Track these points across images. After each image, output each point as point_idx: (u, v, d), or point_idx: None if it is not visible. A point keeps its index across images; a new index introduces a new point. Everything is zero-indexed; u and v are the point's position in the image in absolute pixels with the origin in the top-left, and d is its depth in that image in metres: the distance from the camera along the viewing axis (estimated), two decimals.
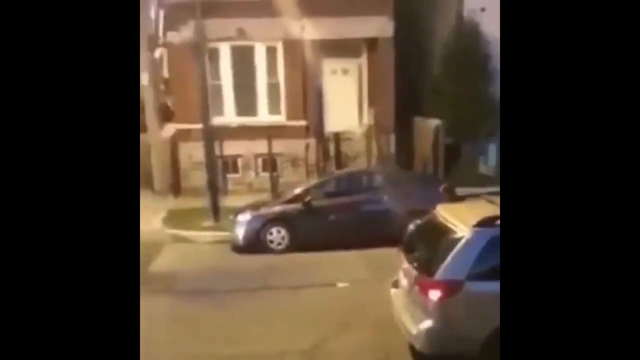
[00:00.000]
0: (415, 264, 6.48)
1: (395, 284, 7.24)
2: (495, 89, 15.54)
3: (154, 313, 7.80)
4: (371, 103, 17.25)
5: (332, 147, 16.79)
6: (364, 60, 17.46)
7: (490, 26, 15.24)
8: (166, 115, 17.99)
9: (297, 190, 12.29)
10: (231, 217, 12.23)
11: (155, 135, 16.90)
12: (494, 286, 5.71)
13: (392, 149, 16.78)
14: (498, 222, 5.94)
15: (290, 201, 12.03)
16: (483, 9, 15.46)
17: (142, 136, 19.23)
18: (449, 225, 6.37)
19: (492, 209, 6.36)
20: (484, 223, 5.94)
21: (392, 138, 16.82)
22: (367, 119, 17.34)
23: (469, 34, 15.64)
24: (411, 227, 8.06)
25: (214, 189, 13.60)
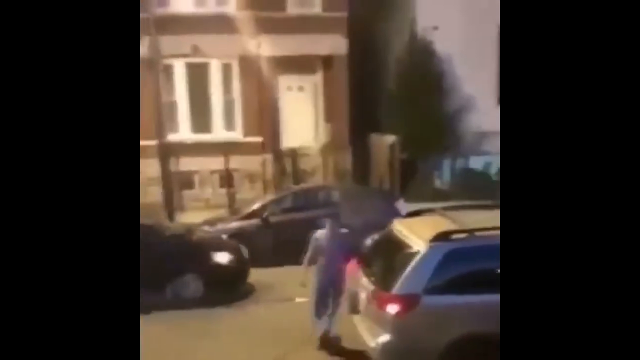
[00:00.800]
0: (372, 279, 6.54)
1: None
2: (448, 105, 15.88)
3: None
4: (327, 119, 17.39)
5: (289, 163, 16.83)
6: (319, 77, 17.62)
7: (444, 44, 15.60)
8: None
9: (255, 206, 12.27)
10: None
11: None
12: (451, 299, 5.88)
13: (349, 164, 16.93)
14: (453, 236, 6.08)
15: (247, 217, 12.00)
16: (436, 28, 15.79)
17: None
18: (406, 240, 6.47)
19: (447, 224, 6.49)
20: (440, 237, 6.06)
21: (349, 154, 16.98)
22: (324, 135, 17.47)
23: (422, 51, 15.94)
24: (368, 241, 8.15)
25: (171, 206, 13.47)
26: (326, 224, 7.37)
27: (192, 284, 9.29)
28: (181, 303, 9.02)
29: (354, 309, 6.66)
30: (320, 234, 7.38)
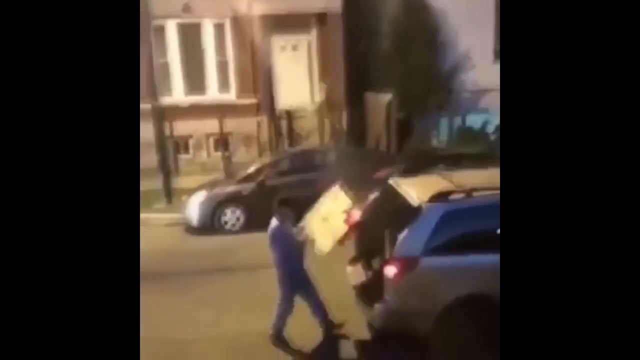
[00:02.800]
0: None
1: (352, 262, 7.26)
2: (445, 62, 15.66)
3: None
4: (322, 79, 17.16)
5: (284, 125, 16.67)
6: (313, 35, 17.31)
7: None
8: None
9: (251, 170, 12.18)
10: (184, 198, 12.07)
11: None
12: (450, 261, 5.84)
13: (345, 124, 16.77)
14: (451, 196, 6.00)
15: (243, 180, 11.92)
16: None
17: None
18: (403, 201, 6.39)
19: (445, 184, 6.41)
20: (438, 198, 5.98)
21: (344, 114, 16.80)
22: (319, 96, 17.26)
23: (417, 7, 15.63)
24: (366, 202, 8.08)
25: (166, 170, 13.37)
26: (276, 215, 6.67)
27: None
28: None
29: None
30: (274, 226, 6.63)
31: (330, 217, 6.63)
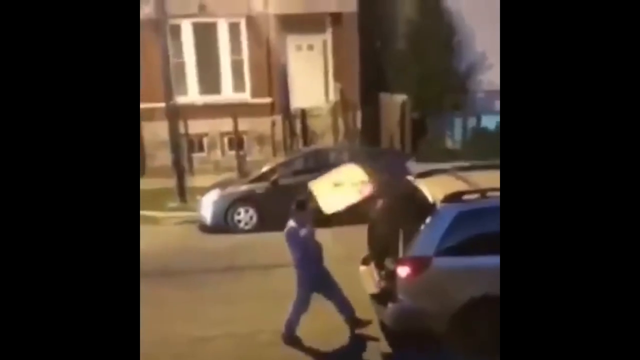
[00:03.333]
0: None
1: (365, 261, 7.24)
2: (459, 63, 15.60)
3: None
4: (337, 79, 17.14)
5: (298, 124, 16.68)
6: (328, 35, 17.30)
7: (454, 0, 15.23)
8: None
9: (264, 169, 12.19)
10: (198, 197, 12.11)
11: None
12: (463, 261, 5.80)
13: (359, 124, 16.75)
14: (465, 197, 5.96)
15: (257, 180, 11.93)
16: None
17: None
18: (417, 200, 6.36)
19: (459, 184, 6.37)
20: (451, 198, 5.94)
21: (359, 114, 16.78)
22: (333, 95, 17.24)
23: (432, 8, 15.60)
24: (379, 203, 8.06)
25: (180, 169, 13.43)
26: (294, 214, 6.49)
27: None
28: None
29: None
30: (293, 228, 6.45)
31: (344, 184, 6.56)
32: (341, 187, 6.56)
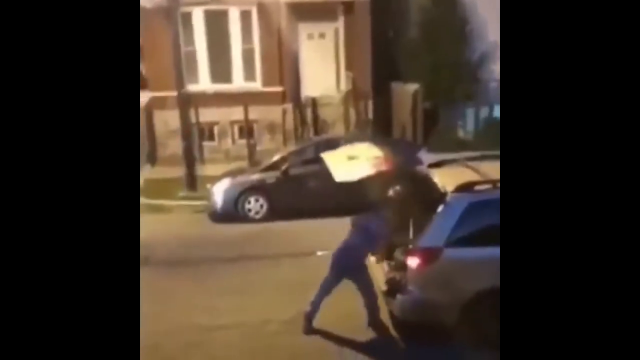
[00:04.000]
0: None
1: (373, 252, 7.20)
2: (472, 52, 15.47)
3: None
4: (349, 67, 17.04)
5: (309, 113, 16.63)
6: (340, 24, 17.19)
7: None
8: (144, 83, 17.64)
9: (275, 158, 12.17)
10: (209, 185, 12.11)
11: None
12: (474, 252, 5.74)
13: (370, 114, 16.67)
14: (477, 187, 5.90)
15: (267, 169, 11.91)
16: None
17: None
18: (428, 190, 6.31)
19: (470, 174, 6.31)
20: (463, 188, 5.89)
21: (370, 103, 16.70)
22: (345, 84, 17.16)
23: None
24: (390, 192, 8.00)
25: (190, 158, 13.44)
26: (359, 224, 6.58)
27: None
28: None
29: None
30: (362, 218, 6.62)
31: (358, 158, 6.52)
32: (355, 160, 6.52)
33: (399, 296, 5.98)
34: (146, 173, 14.86)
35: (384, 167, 6.41)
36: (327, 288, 6.48)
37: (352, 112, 16.45)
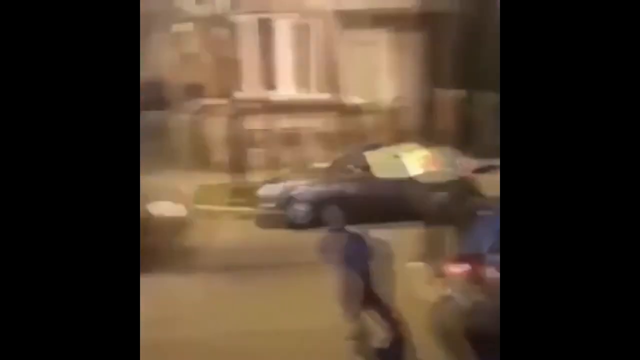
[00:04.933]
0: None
1: (416, 259, 7.17)
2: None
3: (186, 290, 7.87)
4: (397, 75, 16.98)
5: (357, 121, 16.66)
6: (392, 32, 17.05)
7: None
8: (192, 90, 17.97)
9: (324, 167, 12.25)
10: (260, 192, 12.25)
11: (184, 111, 16.94)
12: None
13: (417, 121, 16.60)
14: None
15: (312, 176, 12.02)
16: None
17: (166, 112, 19.28)
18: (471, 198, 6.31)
19: None
20: None
21: (417, 110, 16.63)
22: (393, 91, 17.09)
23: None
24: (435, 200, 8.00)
25: (240, 164, 13.61)
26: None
27: None
28: None
29: None
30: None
31: (405, 157, 6.47)
32: (400, 159, 6.52)
33: (443, 304, 5.96)
34: (200, 179, 15.04)
35: (431, 167, 6.40)
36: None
37: (398, 119, 16.42)
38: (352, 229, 6.21)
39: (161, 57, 16.76)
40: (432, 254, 6.67)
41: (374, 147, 13.33)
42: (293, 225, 11.50)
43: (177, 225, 10.11)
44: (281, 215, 11.57)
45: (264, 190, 11.93)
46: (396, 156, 6.41)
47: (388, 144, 13.86)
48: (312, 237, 10.41)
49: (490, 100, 14.85)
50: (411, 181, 9.99)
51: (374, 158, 6.66)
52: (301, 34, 16.74)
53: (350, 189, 11.37)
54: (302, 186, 11.83)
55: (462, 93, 15.30)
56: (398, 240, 8.92)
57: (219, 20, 13.78)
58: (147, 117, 22.85)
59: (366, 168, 11.57)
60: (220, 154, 15.75)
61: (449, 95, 16.07)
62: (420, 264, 6.83)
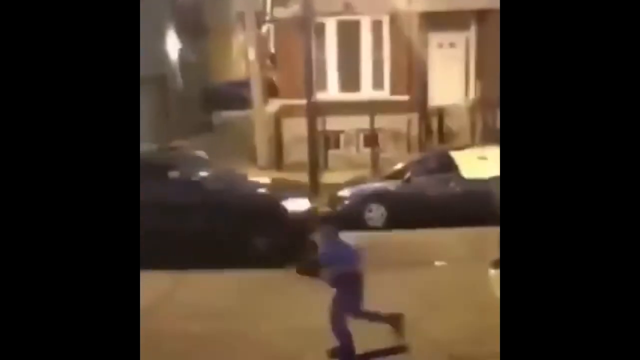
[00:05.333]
0: None
1: (496, 264, 6.99)
2: None
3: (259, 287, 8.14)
4: (478, 77, 16.69)
5: (435, 123, 16.47)
6: (472, 33, 16.87)
7: None
8: (271, 91, 18.30)
9: (398, 167, 12.18)
10: (331, 193, 12.30)
11: (260, 111, 17.27)
12: None
13: (498, 123, 16.19)
14: None
15: (390, 177, 11.96)
16: None
17: (246, 112, 19.69)
18: None
19: None
20: None
21: (498, 112, 16.22)
22: (473, 94, 16.81)
23: None
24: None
25: (315, 164, 13.73)
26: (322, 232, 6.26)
27: None
28: None
29: None
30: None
31: (488, 159, 6.47)
32: (485, 161, 6.49)
33: None
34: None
35: None
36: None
37: (479, 122, 16.09)
38: (343, 240, 6.21)
39: (244, 58, 17.09)
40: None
41: (459, 148, 13.16)
42: (368, 227, 11.44)
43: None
44: (359, 217, 11.55)
45: (344, 192, 11.94)
46: (482, 157, 6.34)
47: (471, 146, 13.68)
48: (384, 240, 10.51)
49: None
50: (497, 182, 9.69)
51: (460, 159, 6.61)
52: (384, 34, 16.70)
53: (430, 191, 11.29)
54: (380, 187, 11.77)
55: None
56: (476, 245, 8.83)
57: (301, 21, 13.91)
58: (229, 116, 23.68)
59: (449, 169, 11.43)
60: (297, 154, 15.94)
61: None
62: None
